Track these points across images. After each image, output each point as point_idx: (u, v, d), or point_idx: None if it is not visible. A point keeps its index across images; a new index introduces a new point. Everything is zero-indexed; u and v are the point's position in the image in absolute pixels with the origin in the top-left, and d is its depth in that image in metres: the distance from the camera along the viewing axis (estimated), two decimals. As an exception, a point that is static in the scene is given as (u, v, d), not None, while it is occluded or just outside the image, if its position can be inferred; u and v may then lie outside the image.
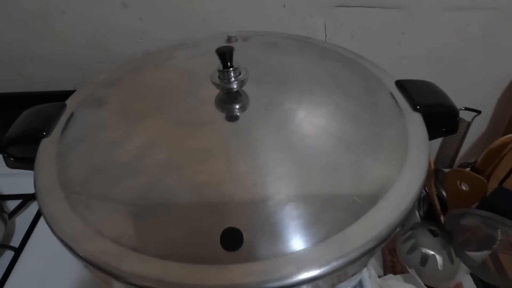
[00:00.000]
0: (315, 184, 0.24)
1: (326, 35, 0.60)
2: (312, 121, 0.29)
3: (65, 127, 0.31)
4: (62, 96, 0.36)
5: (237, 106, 0.30)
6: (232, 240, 0.22)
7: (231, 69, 0.28)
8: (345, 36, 0.60)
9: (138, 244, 0.22)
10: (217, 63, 0.29)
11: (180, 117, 0.30)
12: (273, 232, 0.22)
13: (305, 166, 0.25)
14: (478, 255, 0.47)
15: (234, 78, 0.29)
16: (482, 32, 0.60)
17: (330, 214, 0.23)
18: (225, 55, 0.28)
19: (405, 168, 0.26)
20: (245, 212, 0.23)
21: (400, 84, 0.33)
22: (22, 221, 0.53)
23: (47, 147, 0.30)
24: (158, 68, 0.37)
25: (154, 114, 0.30)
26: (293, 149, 0.26)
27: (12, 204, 0.55)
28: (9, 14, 0.58)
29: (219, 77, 0.29)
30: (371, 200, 0.24)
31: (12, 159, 0.31)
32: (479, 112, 0.61)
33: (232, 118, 0.29)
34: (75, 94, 0.36)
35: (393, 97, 0.32)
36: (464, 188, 0.52)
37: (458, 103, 0.32)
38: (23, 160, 0.31)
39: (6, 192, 0.58)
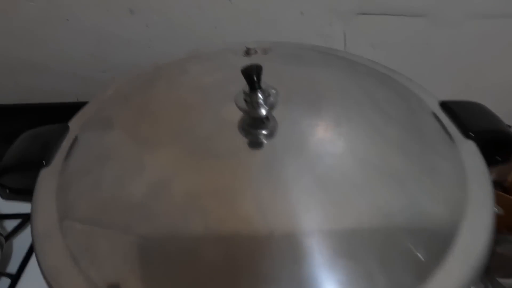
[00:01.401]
0: (365, 236, 0.20)
1: (345, 44, 0.57)
2: (353, 152, 0.25)
3: (67, 155, 0.27)
4: (64, 108, 0.33)
5: (264, 133, 0.26)
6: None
7: (259, 91, 0.25)
8: (365, 45, 0.57)
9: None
10: (237, 79, 0.25)
11: (199, 145, 0.26)
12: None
13: (351, 212, 0.21)
14: (508, 282, 0.44)
15: (262, 101, 0.25)
16: (509, 41, 0.56)
17: (387, 276, 0.19)
18: (252, 75, 0.24)
19: (468, 211, 0.22)
20: (284, 274, 0.19)
21: (446, 106, 0.29)
22: (20, 243, 0.49)
23: (46, 180, 0.26)
24: (170, 85, 0.34)
25: (170, 142, 0.26)
26: (336, 189, 0.22)
27: (9, 225, 0.51)
28: (9, 21, 0.54)
29: (245, 100, 0.25)
30: (435, 256, 0.20)
31: (7, 190, 0.28)
32: (509, 127, 0.58)
33: (259, 147, 0.25)
34: (79, 115, 0.32)
35: (439, 121, 0.29)
36: (497, 211, 0.48)
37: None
38: (19, 191, 0.28)
39: (3, 211, 0.54)
